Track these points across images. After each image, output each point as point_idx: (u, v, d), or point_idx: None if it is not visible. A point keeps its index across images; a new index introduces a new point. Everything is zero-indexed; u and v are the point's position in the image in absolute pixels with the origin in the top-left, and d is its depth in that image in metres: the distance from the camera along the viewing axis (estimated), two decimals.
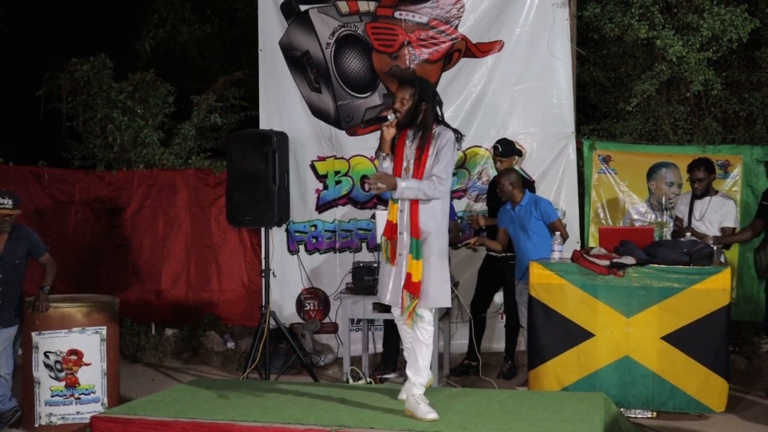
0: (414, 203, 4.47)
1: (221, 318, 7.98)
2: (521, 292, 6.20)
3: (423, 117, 4.50)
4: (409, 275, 4.46)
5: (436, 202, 4.50)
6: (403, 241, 4.51)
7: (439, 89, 7.14)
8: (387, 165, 4.55)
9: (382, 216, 6.27)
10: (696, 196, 6.39)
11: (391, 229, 4.54)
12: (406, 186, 4.42)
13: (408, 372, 4.60)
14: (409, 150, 4.54)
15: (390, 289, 4.56)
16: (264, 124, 7.56)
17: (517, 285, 6.35)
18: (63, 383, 5.58)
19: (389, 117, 4.50)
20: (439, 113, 4.61)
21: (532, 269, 5.66)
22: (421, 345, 4.52)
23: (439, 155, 4.45)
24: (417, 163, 4.47)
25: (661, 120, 7.50)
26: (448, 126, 4.59)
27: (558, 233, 5.92)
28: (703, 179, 6.30)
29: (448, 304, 4.67)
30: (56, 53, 9.37)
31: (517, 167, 6.83)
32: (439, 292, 4.51)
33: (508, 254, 6.56)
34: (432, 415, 4.43)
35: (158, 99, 8.64)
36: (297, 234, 7.59)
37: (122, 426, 4.48)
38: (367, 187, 4.41)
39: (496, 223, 6.57)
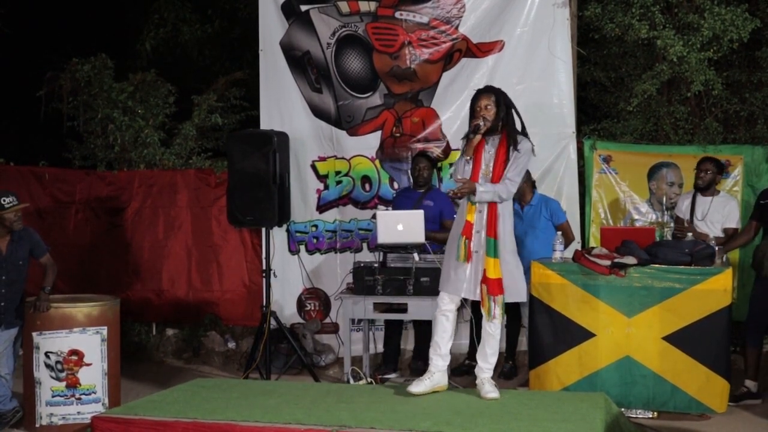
0: (492, 205, 4.82)
1: (222, 318, 7.98)
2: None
3: (509, 123, 4.85)
4: (485, 272, 4.80)
5: (508, 204, 4.89)
6: (480, 239, 4.82)
7: (439, 89, 7.21)
8: (468, 169, 4.86)
9: (383, 216, 6.31)
10: (699, 189, 6.40)
11: (469, 228, 4.83)
12: (483, 190, 4.78)
13: (477, 358, 5.02)
14: (488, 155, 4.87)
15: (466, 284, 4.87)
16: (265, 124, 7.56)
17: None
18: (64, 383, 5.58)
19: (481, 123, 4.79)
20: (519, 120, 4.93)
21: (533, 269, 5.67)
22: (489, 336, 4.94)
23: (517, 161, 4.83)
24: (496, 168, 4.82)
25: (661, 120, 7.50)
26: (525, 135, 4.93)
27: (560, 233, 5.92)
28: (711, 171, 6.34)
29: (524, 298, 5.05)
30: (57, 53, 9.36)
31: None
32: (514, 287, 4.88)
33: None
34: (492, 394, 4.88)
35: (159, 99, 8.65)
36: (298, 234, 7.59)
37: (123, 426, 4.47)
38: (452, 190, 4.86)
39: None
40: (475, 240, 4.83)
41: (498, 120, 4.83)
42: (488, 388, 4.93)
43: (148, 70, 8.78)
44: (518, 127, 4.95)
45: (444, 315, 5.00)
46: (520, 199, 6.35)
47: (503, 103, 4.86)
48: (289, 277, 7.51)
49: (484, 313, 4.86)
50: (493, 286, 4.78)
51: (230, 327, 8.06)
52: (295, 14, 7.55)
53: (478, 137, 4.81)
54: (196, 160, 8.42)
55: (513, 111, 4.91)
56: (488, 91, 4.93)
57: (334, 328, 7.44)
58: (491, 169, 4.84)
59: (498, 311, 4.82)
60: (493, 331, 4.92)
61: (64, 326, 5.58)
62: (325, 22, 7.48)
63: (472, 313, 6.64)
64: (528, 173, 6.46)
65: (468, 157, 4.84)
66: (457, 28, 7.22)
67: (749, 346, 6.03)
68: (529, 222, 6.29)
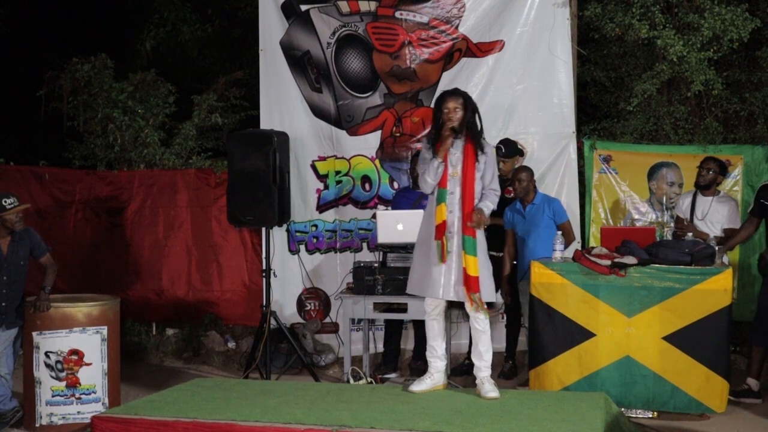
0: (466, 206, 4.87)
1: (222, 318, 7.98)
2: (525, 291, 6.21)
3: (473, 126, 4.95)
4: (465, 270, 4.86)
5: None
6: (454, 240, 4.89)
7: (439, 89, 7.20)
8: (441, 171, 4.92)
9: (383, 216, 6.31)
10: (700, 188, 6.42)
11: (440, 229, 4.88)
12: (487, 212, 4.95)
13: (473, 358, 5.06)
14: (454, 157, 4.94)
15: (443, 284, 4.91)
16: (265, 124, 7.56)
17: (521, 284, 6.36)
18: (64, 383, 5.58)
19: (456, 126, 4.88)
20: (479, 124, 5.02)
21: (533, 269, 5.66)
22: (479, 333, 4.98)
23: (491, 170, 5.00)
24: (467, 169, 4.90)
25: (661, 120, 7.50)
26: (483, 138, 5.05)
27: (560, 233, 5.93)
28: (713, 170, 6.37)
29: (493, 298, 5.06)
30: (57, 53, 9.36)
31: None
32: (489, 286, 4.96)
33: None
34: (492, 393, 4.91)
35: (159, 99, 8.64)
36: (298, 234, 7.59)
37: (123, 426, 4.48)
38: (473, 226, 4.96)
39: (498, 223, 6.58)
40: (450, 240, 4.89)
41: (464, 123, 4.92)
42: (488, 388, 4.95)
43: (148, 70, 8.78)
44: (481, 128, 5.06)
45: (433, 319, 5.09)
46: (522, 198, 6.36)
47: (469, 107, 4.95)
48: (289, 277, 7.51)
49: (470, 310, 4.92)
50: (473, 283, 4.84)
51: (230, 327, 8.06)
52: (295, 14, 7.55)
53: (451, 139, 4.89)
54: (196, 160, 8.42)
55: (478, 114, 5.00)
56: (456, 93, 5.02)
57: (334, 328, 7.43)
58: (459, 170, 4.92)
59: (480, 305, 4.89)
60: (482, 326, 4.96)
61: (64, 326, 5.58)
62: (325, 22, 7.48)
63: None
64: (531, 172, 6.47)
65: (441, 160, 4.91)
66: (457, 27, 7.22)
67: (755, 345, 6.03)
68: (531, 221, 6.30)
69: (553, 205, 6.39)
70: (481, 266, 4.89)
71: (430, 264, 4.93)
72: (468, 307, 4.94)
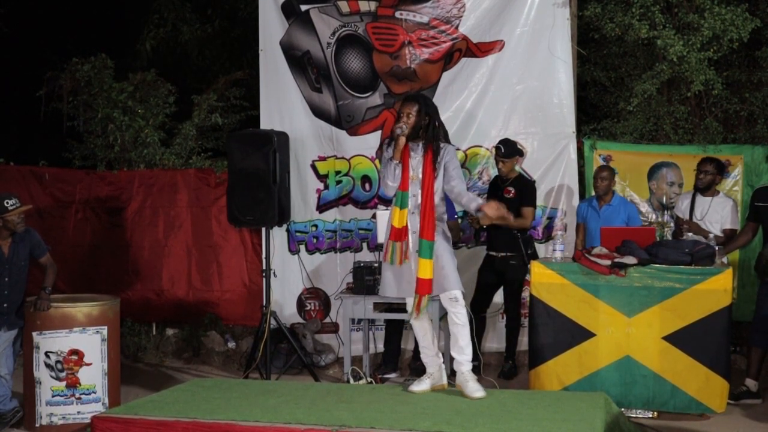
0: (427, 207, 4.91)
1: (222, 318, 7.98)
2: None
3: (430, 131, 4.98)
4: (417, 272, 4.89)
5: (441, 208, 5.04)
6: (416, 240, 4.92)
7: (439, 89, 7.23)
8: (398, 173, 4.98)
9: (383, 216, 6.31)
10: (698, 189, 6.42)
11: (399, 232, 4.93)
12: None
13: (453, 353, 5.01)
14: (415, 161, 5.00)
15: (408, 284, 4.97)
16: (265, 124, 7.56)
17: None
18: (64, 383, 5.58)
19: (402, 128, 4.91)
20: (441, 128, 5.06)
21: (533, 269, 5.67)
22: (458, 326, 4.95)
23: (456, 169, 5.03)
24: (426, 173, 4.95)
25: (661, 120, 7.50)
26: (447, 140, 5.09)
27: (561, 232, 5.94)
28: (710, 173, 6.38)
29: (457, 288, 4.97)
30: (57, 53, 9.37)
31: (518, 167, 6.85)
32: (454, 277, 4.95)
33: (508, 254, 6.59)
34: (479, 393, 4.89)
35: (159, 99, 8.64)
36: (298, 234, 7.59)
37: (123, 426, 4.48)
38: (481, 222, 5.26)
39: (497, 222, 6.58)
40: (412, 240, 4.94)
41: (419, 128, 4.95)
42: (473, 387, 4.93)
43: (148, 70, 8.78)
44: (442, 133, 5.07)
45: (418, 320, 5.07)
46: (600, 196, 6.54)
47: (426, 112, 4.98)
48: (289, 277, 7.51)
49: (412, 309, 4.95)
50: (422, 285, 4.87)
51: (230, 327, 8.06)
52: (295, 14, 7.55)
53: (402, 140, 4.91)
54: (196, 159, 8.42)
55: (436, 120, 5.02)
56: (412, 99, 5.08)
57: (334, 328, 7.44)
58: (419, 174, 4.97)
59: (460, 299, 4.93)
60: (462, 320, 4.94)
61: (64, 326, 5.58)
62: (325, 22, 7.48)
63: (471, 313, 6.68)
64: (613, 172, 6.64)
65: (397, 161, 4.96)
66: (457, 27, 7.22)
67: (753, 346, 6.03)
68: (605, 221, 6.46)
69: (629, 209, 6.58)
70: (450, 258, 4.95)
71: (390, 267, 4.99)
72: (408, 305, 5.00)
